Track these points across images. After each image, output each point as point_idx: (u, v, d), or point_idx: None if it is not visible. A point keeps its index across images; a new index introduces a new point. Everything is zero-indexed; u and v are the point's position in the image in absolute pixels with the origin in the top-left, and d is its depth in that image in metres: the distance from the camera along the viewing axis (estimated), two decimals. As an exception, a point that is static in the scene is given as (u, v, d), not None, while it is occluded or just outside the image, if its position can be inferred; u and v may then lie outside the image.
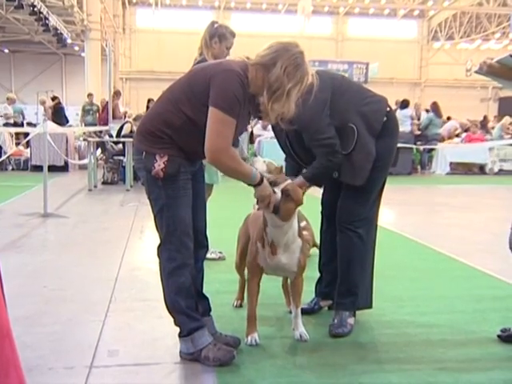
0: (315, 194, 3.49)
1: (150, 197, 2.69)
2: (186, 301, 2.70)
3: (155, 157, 2.58)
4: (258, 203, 2.76)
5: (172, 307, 2.74)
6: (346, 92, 3.17)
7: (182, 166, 2.63)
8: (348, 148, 3.06)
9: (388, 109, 3.21)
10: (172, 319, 2.78)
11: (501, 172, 14.62)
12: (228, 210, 6.07)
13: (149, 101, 14.16)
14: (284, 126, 2.76)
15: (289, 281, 3.22)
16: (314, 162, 3.08)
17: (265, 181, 2.69)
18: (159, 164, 2.57)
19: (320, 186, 3.21)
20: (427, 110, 15.65)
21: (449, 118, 17.10)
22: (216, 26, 4.37)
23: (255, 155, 12.20)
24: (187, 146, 2.62)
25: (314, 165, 3.07)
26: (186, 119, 2.57)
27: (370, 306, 3.38)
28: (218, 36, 4.32)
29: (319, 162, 3.07)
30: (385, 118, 3.15)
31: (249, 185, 2.71)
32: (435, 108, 14.45)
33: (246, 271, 3.50)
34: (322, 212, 3.50)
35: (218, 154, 2.52)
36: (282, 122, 2.69)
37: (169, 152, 2.58)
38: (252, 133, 13.11)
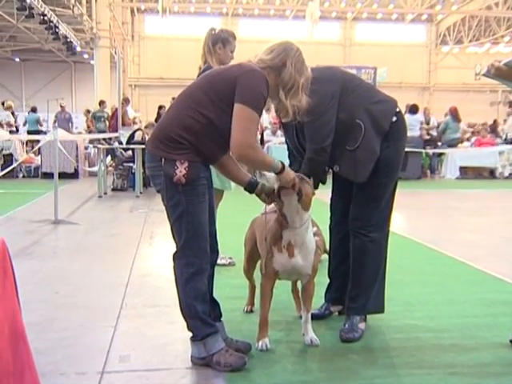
0: (325, 199, 3.50)
1: (169, 203, 2.68)
2: (202, 306, 2.72)
3: (175, 163, 2.59)
4: (277, 195, 2.82)
5: (188, 313, 2.73)
6: (357, 88, 3.19)
7: (201, 171, 2.67)
8: (354, 144, 3.07)
9: (397, 109, 3.21)
10: (184, 324, 2.79)
11: (511, 176, 14.54)
12: (238, 216, 6.07)
13: (160, 107, 14.24)
14: (300, 119, 2.83)
15: (299, 285, 3.23)
16: (302, 164, 3.10)
17: (287, 167, 2.78)
18: (180, 170, 2.59)
19: (315, 188, 3.20)
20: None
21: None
22: (217, 31, 4.41)
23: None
24: (206, 150, 2.65)
25: (302, 166, 3.09)
26: (206, 123, 2.61)
27: (381, 311, 3.38)
28: (222, 41, 4.35)
29: (305, 159, 3.10)
30: (394, 118, 3.15)
31: (254, 194, 2.89)
32: (454, 112, 14.39)
33: (254, 276, 3.52)
34: (330, 218, 3.51)
35: (246, 149, 2.58)
36: (299, 115, 2.78)
37: (188, 157, 2.60)
38: (262, 136, 13.11)
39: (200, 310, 2.71)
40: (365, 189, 3.14)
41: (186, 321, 2.77)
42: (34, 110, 16.53)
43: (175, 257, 2.74)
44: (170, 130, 2.65)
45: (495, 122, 18.80)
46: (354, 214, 3.23)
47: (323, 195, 3.31)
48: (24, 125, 16.58)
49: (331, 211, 3.51)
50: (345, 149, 3.09)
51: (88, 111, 17.43)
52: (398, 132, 3.19)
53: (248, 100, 2.57)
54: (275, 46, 2.76)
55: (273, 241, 2.95)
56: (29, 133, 15.31)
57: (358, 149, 3.07)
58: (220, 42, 4.35)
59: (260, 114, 2.63)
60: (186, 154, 2.61)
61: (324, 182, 3.32)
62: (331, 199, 3.50)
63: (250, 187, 2.91)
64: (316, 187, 3.15)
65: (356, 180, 3.13)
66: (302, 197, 2.83)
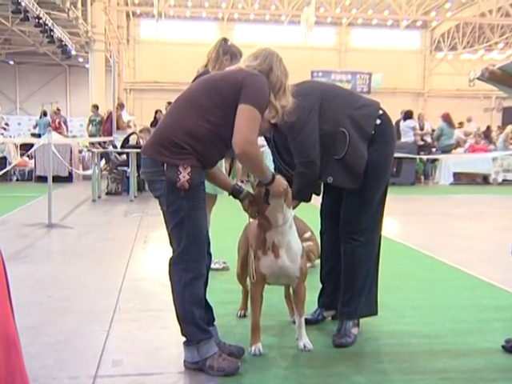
0: (317, 204, 3.50)
1: (169, 209, 2.67)
2: (199, 311, 2.72)
3: (178, 168, 2.60)
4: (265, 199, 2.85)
5: (185, 318, 2.73)
6: (337, 97, 3.21)
7: (202, 176, 2.69)
8: (341, 153, 3.08)
9: (381, 112, 3.21)
10: (177, 328, 2.78)
11: (504, 182, 14.60)
12: (231, 220, 6.08)
13: (156, 112, 14.25)
14: (287, 119, 2.88)
15: (291, 290, 3.23)
16: (293, 178, 3.11)
17: (277, 176, 2.83)
18: (184, 175, 2.59)
19: (308, 201, 3.23)
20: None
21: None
22: (229, 43, 4.48)
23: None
24: (207, 154, 2.67)
25: (294, 180, 3.10)
26: (210, 127, 2.62)
27: (375, 313, 3.39)
28: (231, 54, 4.41)
29: (296, 174, 3.11)
30: (378, 121, 3.16)
31: (239, 200, 2.96)
32: (447, 118, 14.44)
33: (248, 281, 3.52)
34: (321, 223, 3.52)
35: (249, 146, 2.60)
36: (285, 115, 2.86)
37: (190, 163, 2.62)
38: None
39: (197, 316, 2.71)
40: (355, 193, 3.15)
41: (180, 325, 2.77)
42: (45, 113, 16.76)
43: (173, 262, 2.73)
44: (173, 135, 2.64)
45: (489, 128, 18.88)
46: (344, 218, 3.23)
47: (315, 200, 3.32)
48: (34, 128, 16.66)
49: (321, 216, 3.51)
50: (333, 159, 3.10)
51: (55, 112, 17.38)
52: (385, 135, 3.19)
53: (253, 100, 2.62)
54: (258, 52, 2.84)
55: (257, 244, 2.96)
56: (39, 136, 15.38)
57: (345, 156, 3.08)
58: (229, 54, 4.40)
59: (262, 116, 2.66)
60: (188, 159, 2.62)
61: (318, 194, 3.34)
62: (321, 204, 3.51)
63: (236, 193, 2.95)
64: (309, 200, 3.18)
65: (351, 187, 3.13)
66: (288, 196, 2.88)
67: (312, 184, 3.16)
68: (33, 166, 13.09)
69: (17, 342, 1.73)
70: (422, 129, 14.75)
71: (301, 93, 3.00)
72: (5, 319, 1.69)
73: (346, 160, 3.08)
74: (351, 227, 3.21)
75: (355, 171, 3.09)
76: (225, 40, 4.49)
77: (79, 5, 20.31)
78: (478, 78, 3.20)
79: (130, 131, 12.19)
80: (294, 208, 3.13)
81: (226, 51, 4.40)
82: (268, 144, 3.43)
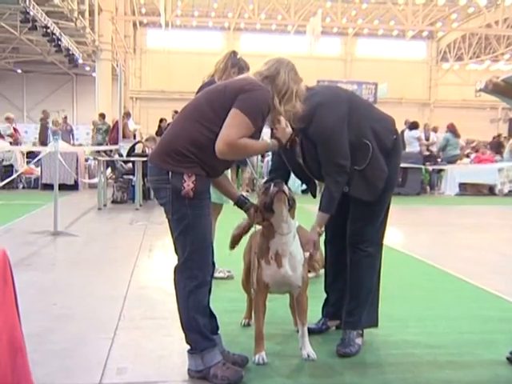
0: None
1: (173, 217, 2.70)
2: (203, 319, 2.74)
3: (183, 176, 2.63)
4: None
5: (189, 325, 2.74)
6: (360, 107, 3.22)
7: (207, 184, 2.72)
8: (362, 164, 3.09)
9: (395, 127, 3.27)
10: (181, 336, 2.80)
11: (511, 193, 14.53)
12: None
13: (161, 121, 14.29)
14: (295, 125, 2.92)
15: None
16: (323, 193, 3.11)
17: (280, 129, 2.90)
18: (188, 184, 2.62)
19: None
20: (434, 129, 15.60)
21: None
22: (238, 57, 4.52)
23: (262, 177, 12.23)
24: (211, 164, 2.69)
25: (326, 193, 3.09)
26: (213, 138, 2.63)
27: (375, 325, 3.38)
28: (239, 68, 4.45)
29: (330, 184, 3.08)
30: (394, 136, 3.20)
31: (243, 210, 3.01)
32: (452, 128, 14.43)
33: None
34: (326, 233, 3.52)
35: (225, 147, 2.60)
36: (293, 122, 2.88)
37: (195, 171, 2.65)
38: None
39: (201, 324, 2.72)
40: (363, 205, 3.16)
41: (185, 333, 2.78)
42: (52, 122, 16.92)
43: (178, 270, 2.75)
44: (177, 143, 2.67)
45: (499, 135, 18.76)
46: (351, 229, 3.24)
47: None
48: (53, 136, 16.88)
49: (326, 226, 3.51)
50: (353, 169, 3.09)
51: (6, 118, 17.38)
52: (396, 149, 3.23)
53: (244, 107, 2.63)
54: (269, 60, 2.88)
55: (260, 254, 2.97)
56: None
57: (366, 168, 3.09)
58: (237, 67, 4.45)
59: (254, 126, 2.66)
60: (193, 167, 2.64)
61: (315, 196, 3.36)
62: None
63: (240, 203, 2.99)
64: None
65: (368, 199, 3.14)
66: (293, 206, 2.91)
67: (340, 193, 3.12)
68: (39, 173, 13.14)
69: (23, 348, 1.74)
70: (427, 139, 14.75)
71: (329, 102, 3.05)
72: (12, 326, 1.71)
73: (366, 171, 3.09)
74: (358, 237, 3.22)
75: (375, 184, 3.11)
76: (234, 53, 4.53)
77: (87, 14, 20.44)
78: (482, 90, 3.21)
79: (136, 139, 12.24)
80: (321, 228, 3.12)
81: (235, 64, 4.45)
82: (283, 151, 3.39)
